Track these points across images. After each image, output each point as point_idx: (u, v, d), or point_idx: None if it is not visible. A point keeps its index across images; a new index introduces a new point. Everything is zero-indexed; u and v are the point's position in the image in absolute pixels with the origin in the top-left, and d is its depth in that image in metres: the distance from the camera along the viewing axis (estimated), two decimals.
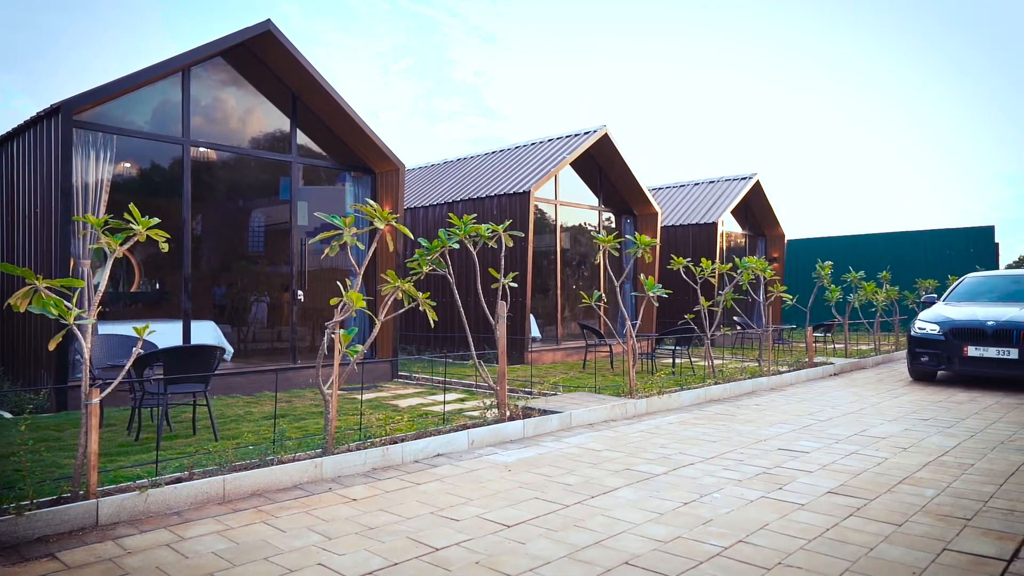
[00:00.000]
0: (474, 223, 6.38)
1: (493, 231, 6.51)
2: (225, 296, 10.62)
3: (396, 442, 5.16)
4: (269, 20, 8.40)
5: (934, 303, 11.00)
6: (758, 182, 17.35)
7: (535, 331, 12.55)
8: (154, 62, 7.72)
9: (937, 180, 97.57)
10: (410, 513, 3.88)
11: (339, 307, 4.92)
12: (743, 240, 18.40)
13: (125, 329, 7.37)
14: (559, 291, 13.10)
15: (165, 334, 7.61)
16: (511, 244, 6.76)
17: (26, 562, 3.13)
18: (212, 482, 4.05)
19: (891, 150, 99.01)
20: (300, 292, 9.34)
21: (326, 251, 5.14)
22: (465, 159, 16.13)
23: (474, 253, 6.61)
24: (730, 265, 10.36)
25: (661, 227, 15.53)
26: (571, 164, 13.32)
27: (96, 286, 7.28)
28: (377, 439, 5.21)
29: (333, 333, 4.87)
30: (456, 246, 6.23)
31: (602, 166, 14.03)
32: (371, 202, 5.32)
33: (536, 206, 12.59)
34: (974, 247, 20.40)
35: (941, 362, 9.45)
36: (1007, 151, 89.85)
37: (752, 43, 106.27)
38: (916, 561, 3.16)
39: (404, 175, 9.92)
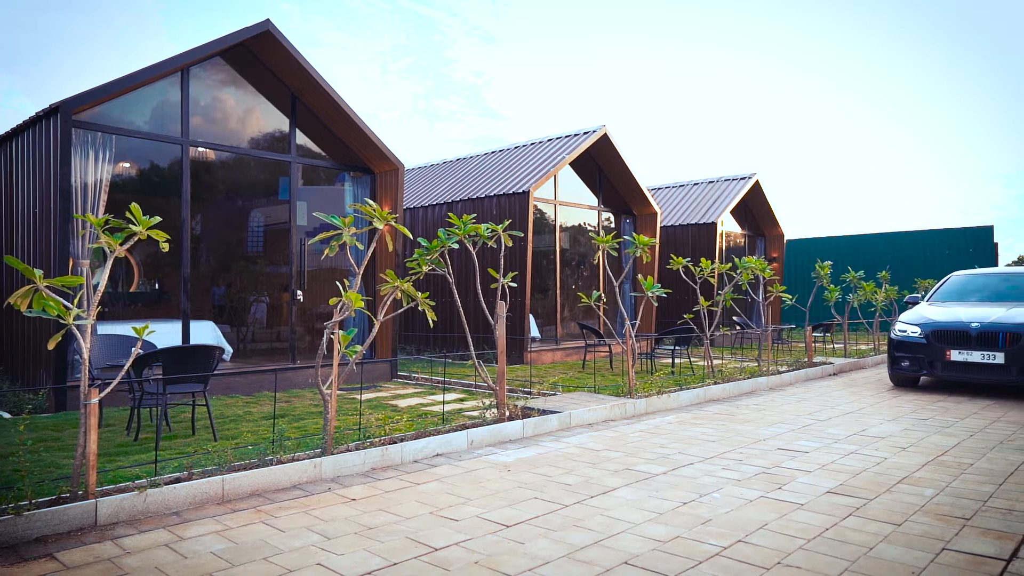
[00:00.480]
0: (473, 223, 6.38)
1: (492, 231, 6.50)
2: (224, 296, 10.62)
3: (395, 442, 5.16)
4: (268, 20, 8.40)
5: (917, 303, 10.27)
6: (757, 182, 17.36)
7: (534, 331, 12.55)
8: (153, 62, 7.72)
9: (937, 180, 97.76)
10: (409, 513, 3.88)
11: (338, 307, 4.92)
12: (742, 240, 18.40)
13: (124, 329, 7.38)
14: (558, 291, 13.10)
15: (164, 334, 7.62)
16: (510, 244, 6.76)
17: (25, 562, 3.12)
18: (211, 482, 4.05)
19: (891, 150, 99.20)
20: (299, 292, 9.33)
21: (325, 251, 5.13)
22: (464, 159, 16.12)
23: (473, 253, 6.60)
24: (729, 265, 10.37)
25: (660, 227, 15.53)
26: (570, 164, 13.32)
27: (95, 286, 7.27)
28: (376, 439, 5.21)
29: (332, 333, 4.87)
30: (455, 246, 6.23)
31: (601, 166, 14.03)
32: (370, 202, 5.32)
33: (535, 206, 12.59)
34: (973, 247, 20.42)
35: (923, 366, 8.80)
36: (1007, 151, 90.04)
37: (752, 43, 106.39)
38: (915, 561, 3.16)
39: (403, 175, 9.92)
